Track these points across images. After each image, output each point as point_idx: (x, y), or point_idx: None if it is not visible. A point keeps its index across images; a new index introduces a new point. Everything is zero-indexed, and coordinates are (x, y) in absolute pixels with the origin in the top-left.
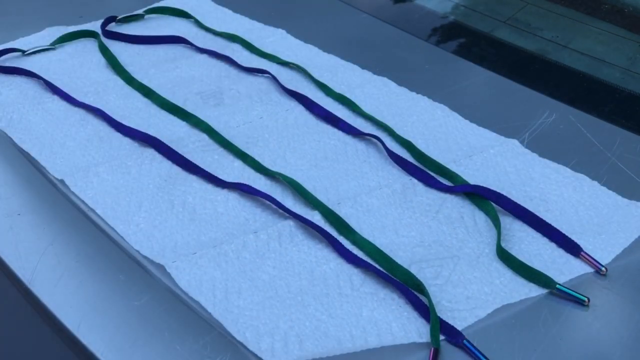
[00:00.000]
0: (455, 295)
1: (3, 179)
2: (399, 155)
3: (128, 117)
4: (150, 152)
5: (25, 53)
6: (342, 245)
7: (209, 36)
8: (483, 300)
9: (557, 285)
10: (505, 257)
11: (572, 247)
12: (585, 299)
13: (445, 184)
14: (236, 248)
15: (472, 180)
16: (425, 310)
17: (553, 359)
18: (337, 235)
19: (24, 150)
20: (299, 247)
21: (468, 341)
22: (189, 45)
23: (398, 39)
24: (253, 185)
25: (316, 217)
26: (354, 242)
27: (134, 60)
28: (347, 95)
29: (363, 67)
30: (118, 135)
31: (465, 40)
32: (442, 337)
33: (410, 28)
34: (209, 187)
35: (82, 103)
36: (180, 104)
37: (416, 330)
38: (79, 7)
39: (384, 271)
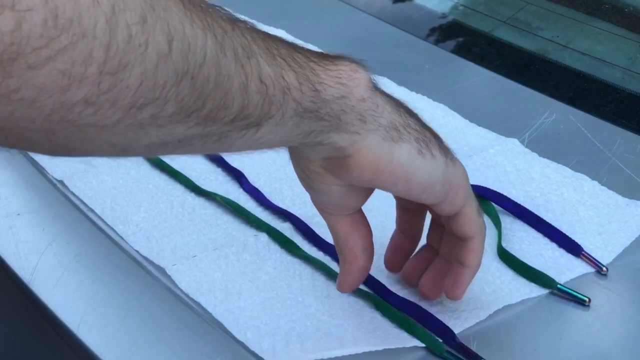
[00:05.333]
0: None
1: (3, 179)
2: None
3: None
4: None
5: None
6: None
7: None
8: (484, 300)
9: (558, 285)
10: (506, 257)
11: (572, 247)
12: (586, 299)
13: None
14: (237, 250)
15: (472, 180)
16: (425, 316)
17: (553, 359)
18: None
19: (23, 151)
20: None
21: (462, 343)
22: None
23: (398, 39)
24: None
25: (317, 219)
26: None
27: None
28: None
29: None
30: None
31: (465, 40)
32: (441, 340)
33: (410, 28)
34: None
35: None
36: None
37: None
38: None
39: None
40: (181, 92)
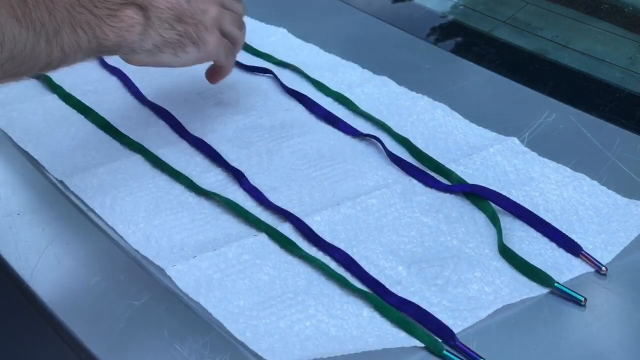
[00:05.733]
0: (456, 296)
1: (3, 179)
2: (398, 156)
3: (128, 117)
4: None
5: None
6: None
7: None
8: (484, 300)
9: (556, 284)
10: (507, 255)
11: (572, 247)
12: (583, 299)
13: (445, 184)
14: (236, 250)
15: (471, 180)
16: (425, 316)
17: (553, 359)
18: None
19: (24, 150)
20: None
21: (461, 343)
22: None
23: (398, 39)
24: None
25: (317, 219)
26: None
27: None
28: (347, 95)
29: (363, 67)
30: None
31: (465, 40)
32: (440, 340)
33: (410, 28)
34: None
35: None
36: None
37: None
38: None
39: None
40: (5, 67)
